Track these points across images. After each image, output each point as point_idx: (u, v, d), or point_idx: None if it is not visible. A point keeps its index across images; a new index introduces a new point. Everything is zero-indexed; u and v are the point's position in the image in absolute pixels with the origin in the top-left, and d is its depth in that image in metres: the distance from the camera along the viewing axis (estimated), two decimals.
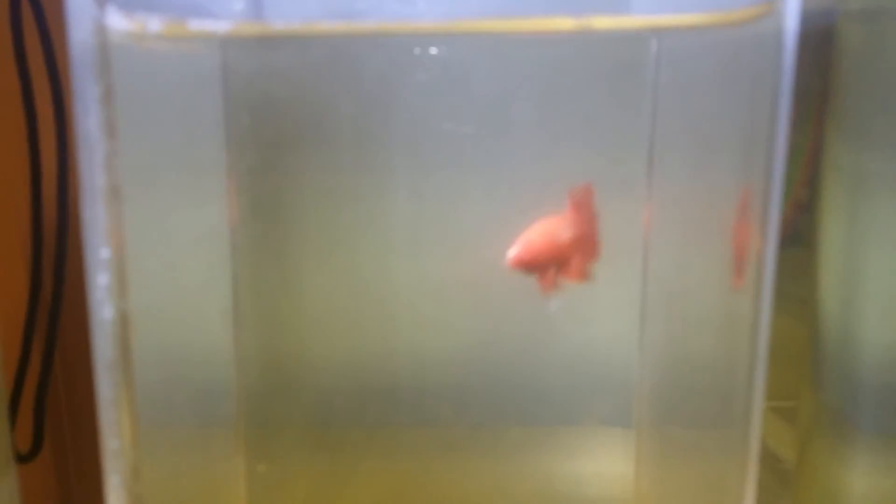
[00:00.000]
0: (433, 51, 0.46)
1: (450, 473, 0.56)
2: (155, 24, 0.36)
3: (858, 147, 0.42)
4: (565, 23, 0.36)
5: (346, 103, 0.49)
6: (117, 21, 0.35)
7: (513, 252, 0.49)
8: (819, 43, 0.43)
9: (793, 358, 0.48)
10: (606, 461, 0.56)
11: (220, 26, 0.36)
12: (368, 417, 0.56)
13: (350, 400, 0.56)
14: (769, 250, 0.38)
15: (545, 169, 0.51)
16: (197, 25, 0.36)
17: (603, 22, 0.37)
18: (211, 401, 0.52)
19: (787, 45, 0.37)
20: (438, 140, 0.51)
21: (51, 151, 0.55)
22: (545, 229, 0.50)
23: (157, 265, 0.43)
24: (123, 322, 0.37)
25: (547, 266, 0.50)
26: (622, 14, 0.41)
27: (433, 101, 0.50)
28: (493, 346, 0.56)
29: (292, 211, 0.52)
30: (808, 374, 0.47)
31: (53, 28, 0.54)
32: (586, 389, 0.55)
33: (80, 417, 0.63)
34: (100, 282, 0.36)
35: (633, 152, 0.49)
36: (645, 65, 0.47)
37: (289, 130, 0.50)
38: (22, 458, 0.55)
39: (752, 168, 0.39)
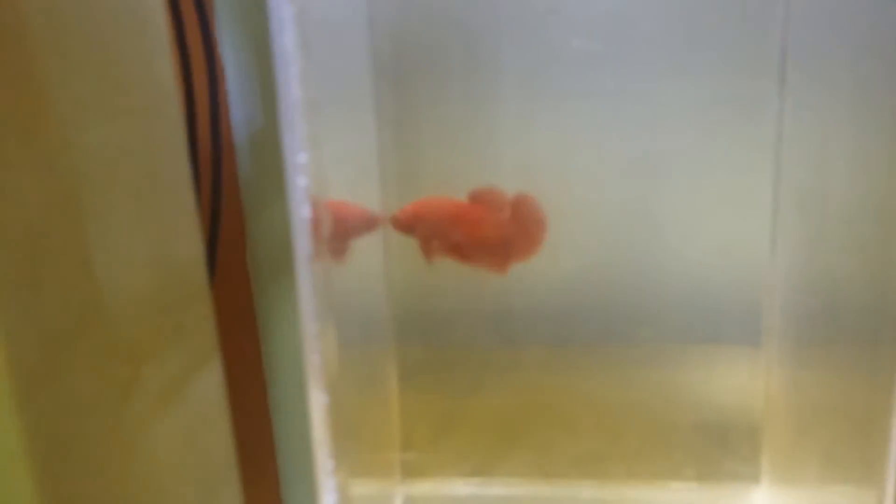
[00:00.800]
0: None
1: (581, 390, 0.59)
2: None
3: None
4: None
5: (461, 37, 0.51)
6: None
7: (395, 212, 0.52)
8: None
9: None
10: (735, 380, 0.58)
11: None
12: (504, 337, 0.59)
13: (486, 320, 0.60)
14: None
15: (674, 84, 0.53)
16: None
17: None
18: (369, 320, 0.56)
19: None
20: (559, 62, 0.53)
21: (203, 86, 0.59)
22: (438, 204, 0.53)
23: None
24: (318, 223, 0.41)
25: (426, 236, 0.53)
26: None
27: (553, 23, 0.53)
28: (618, 267, 0.58)
29: (436, 135, 0.55)
30: None
31: None
32: (714, 305, 0.57)
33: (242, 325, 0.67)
34: (300, 183, 0.40)
35: (764, 64, 0.51)
36: None
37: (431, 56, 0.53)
38: None
39: (892, 74, 0.41)
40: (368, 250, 0.55)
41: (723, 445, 0.58)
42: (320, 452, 0.42)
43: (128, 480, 0.37)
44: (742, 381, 0.57)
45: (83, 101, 0.34)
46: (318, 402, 0.42)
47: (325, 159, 0.41)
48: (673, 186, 0.56)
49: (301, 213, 0.40)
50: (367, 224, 0.52)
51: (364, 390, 0.54)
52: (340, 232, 0.45)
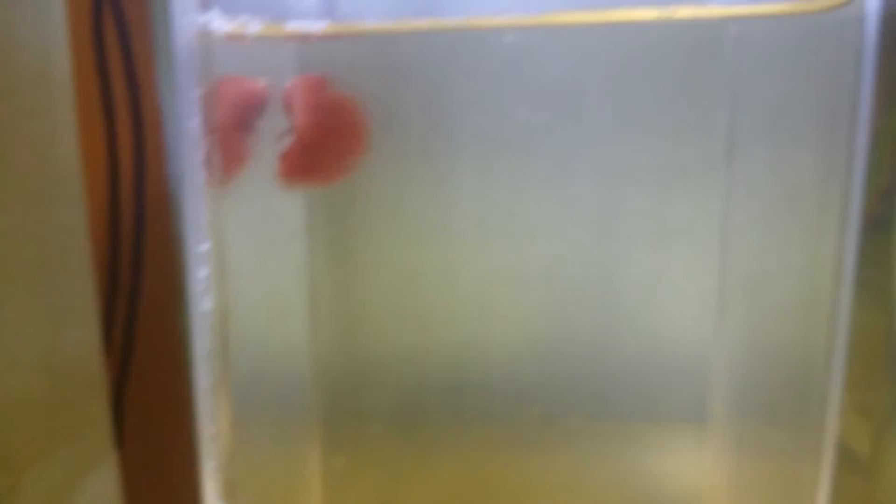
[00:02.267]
0: (511, 39, 0.47)
1: (520, 468, 0.57)
2: (255, 25, 0.37)
3: None
4: (648, 13, 0.37)
5: (419, 97, 0.50)
6: (220, 23, 0.37)
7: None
8: None
9: (872, 349, 0.48)
10: (679, 457, 0.56)
11: (315, 26, 0.38)
12: (439, 411, 0.57)
13: (420, 393, 0.57)
14: (850, 237, 0.39)
15: (622, 157, 0.52)
16: (293, 26, 0.37)
17: (684, 12, 0.37)
18: (289, 393, 0.53)
19: (869, 31, 0.37)
20: (514, 128, 0.52)
21: (128, 155, 0.57)
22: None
23: (244, 261, 0.45)
24: (222, 314, 0.38)
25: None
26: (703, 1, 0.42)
27: (511, 89, 0.51)
28: (563, 339, 0.56)
29: (366, 205, 0.53)
30: (884, 366, 0.47)
31: (134, 32, 0.55)
32: (660, 383, 0.55)
33: (161, 410, 0.65)
34: (199, 275, 0.37)
35: (712, 140, 0.49)
36: (724, 51, 0.47)
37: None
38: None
39: (834, 154, 0.40)
40: (291, 319, 0.53)
41: None
42: None
43: None
44: (688, 459, 0.55)
45: None
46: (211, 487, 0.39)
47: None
48: (625, 257, 0.55)
49: (200, 306, 0.38)
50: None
51: (278, 469, 0.51)
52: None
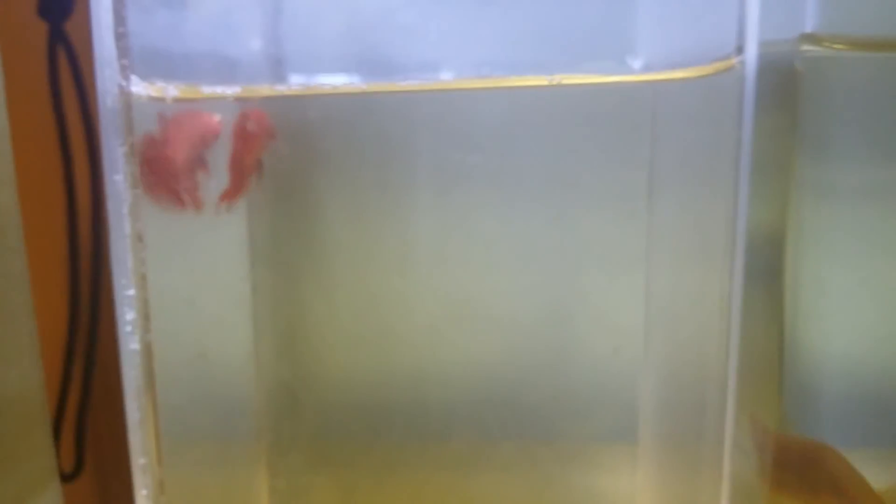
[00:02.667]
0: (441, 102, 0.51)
1: (463, 488, 0.59)
2: (172, 90, 0.40)
3: (821, 163, 0.46)
4: (539, 80, 0.40)
5: (363, 150, 0.53)
6: (139, 87, 0.40)
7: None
8: (782, 82, 0.47)
9: (763, 369, 0.51)
10: (610, 476, 0.59)
11: (231, 89, 0.41)
12: (390, 433, 0.60)
13: (368, 416, 0.60)
14: (737, 269, 0.42)
15: (553, 200, 0.55)
16: (209, 90, 0.41)
17: (573, 79, 0.41)
18: (233, 418, 0.56)
19: (748, 90, 0.41)
20: (456, 175, 0.55)
21: (86, 197, 0.60)
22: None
23: (179, 288, 0.48)
24: (147, 352, 0.41)
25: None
26: (624, 54, 0.45)
27: (450, 143, 0.54)
28: (507, 365, 0.59)
29: (310, 229, 0.56)
30: (775, 385, 0.50)
31: (88, 84, 0.59)
32: (593, 405, 0.58)
33: (120, 437, 0.68)
34: (127, 317, 0.41)
35: (636, 179, 0.53)
36: (643, 111, 0.50)
37: (313, 160, 0.55)
38: (65, 478, 0.60)
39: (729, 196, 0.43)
40: (234, 345, 0.56)
41: None
42: None
43: None
44: (619, 478, 0.58)
45: None
46: None
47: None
48: (561, 286, 0.58)
49: (128, 346, 0.41)
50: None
51: (221, 493, 0.54)
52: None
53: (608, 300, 0.56)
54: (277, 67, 0.44)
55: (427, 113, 0.52)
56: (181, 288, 0.49)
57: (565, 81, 0.40)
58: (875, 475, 0.50)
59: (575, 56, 0.44)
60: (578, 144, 0.53)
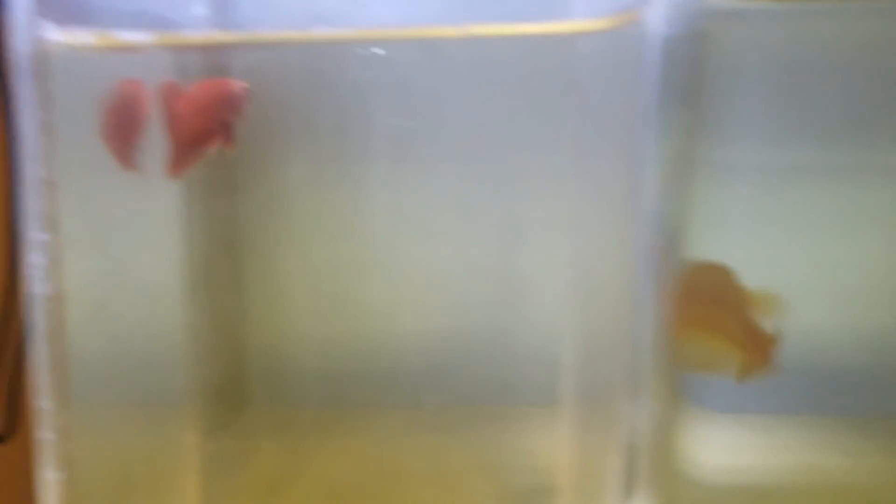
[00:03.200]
0: (381, 52, 0.51)
1: (393, 451, 0.59)
2: (87, 36, 0.41)
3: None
4: (448, 31, 0.41)
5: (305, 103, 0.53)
6: (54, 33, 0.40)
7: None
8: (689, 43, 0.47)
9: None
10: (534, 436, 0.59)
11: (145, 37, 0.41)
12: (332, 398, 0.60)
13: (313, 382, 0.60)
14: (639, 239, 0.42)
15: (485, 165, 0.55)
16: (124, 37, 0.41)
17: (485, 30, 0.41)
18: (164, 378, 0.56)
19: (652, 46, 0.41)
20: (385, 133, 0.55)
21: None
22: None
23: (107, 246, 0.48)
24: (57, 298, 0.41)
25: None
26: (558, 16, 0.45)
27: (383, 99, 0.55)
28: (445, 331, 0.59)
29: (283, 203, 0.57)
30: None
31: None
32: (520, 370, 0.58)
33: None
34: (36, 262, 0.41)
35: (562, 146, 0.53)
36: (573, 65, 0.50)
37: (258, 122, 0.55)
38: None
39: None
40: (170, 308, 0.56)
41: None
42: None
43: None
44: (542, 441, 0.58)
45: None
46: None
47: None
48: (495, 255, 0.58)
49: (37, 290, 0.41)
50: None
51: (147, 451, 0.53)
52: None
53: (535, 269, 0.57)
54: (197, 20, 0.45)
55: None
56: (104, 242, 0.49)
57: (473, 32, 0.40)
58: None
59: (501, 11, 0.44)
60: (501, 103, 0.53)
